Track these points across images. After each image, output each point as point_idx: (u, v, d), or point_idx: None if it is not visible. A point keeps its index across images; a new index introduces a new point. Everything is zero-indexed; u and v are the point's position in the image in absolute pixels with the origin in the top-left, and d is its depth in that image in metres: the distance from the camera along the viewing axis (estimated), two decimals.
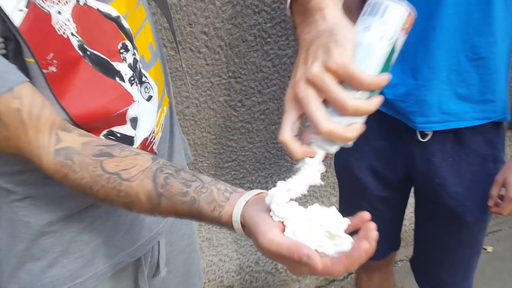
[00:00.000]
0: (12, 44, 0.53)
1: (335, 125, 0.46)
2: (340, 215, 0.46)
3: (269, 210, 0.46)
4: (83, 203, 0.67)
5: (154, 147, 0.74)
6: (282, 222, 0.45)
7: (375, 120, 0.99)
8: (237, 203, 0.49)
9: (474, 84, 0.92)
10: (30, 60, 0.53)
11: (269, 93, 1.52)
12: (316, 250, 0.43)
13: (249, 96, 1.51)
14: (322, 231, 0.44)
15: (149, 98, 0.69)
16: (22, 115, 0.53)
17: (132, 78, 0.64)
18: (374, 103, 0.47)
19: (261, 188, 1.81)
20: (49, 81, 0.55)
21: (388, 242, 1.22)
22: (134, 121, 0.64)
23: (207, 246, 1.70)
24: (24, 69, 0.54)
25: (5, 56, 0.52)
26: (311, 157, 0.48)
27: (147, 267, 0.81)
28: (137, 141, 0.67)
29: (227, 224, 0.50)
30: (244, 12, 1.37)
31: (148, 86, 0.69)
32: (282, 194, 0.46)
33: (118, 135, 0.64)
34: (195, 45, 1.34)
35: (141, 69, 0.67)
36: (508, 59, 0.95)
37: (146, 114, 0.69)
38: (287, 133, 0.48)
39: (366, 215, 0.46)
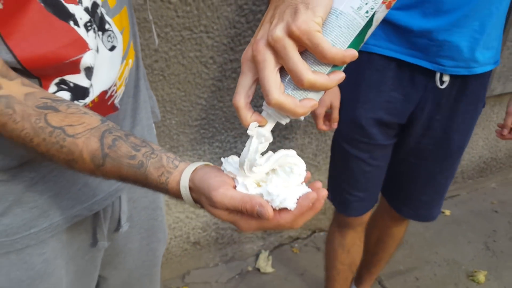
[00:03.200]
0: None
1: (286, 98, 0.42)
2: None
3: (221, 171, 0.48)
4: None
5: (116, 101, 0.71)
6: (233, 180, 0.47)
7: (391, 71, 1.09)
8: (186, 169, 0.49)
9: (490, 33, 1.04)
10: None
11: (241, 50, 1.50)
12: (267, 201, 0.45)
13: (221, 52, 1.48)
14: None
15: (112, 48, 0.67)
16: None
17: (88, 24, 0.60)
18: (333, 80, 0.43)
19: (230, 148, 1.79)
20: None
21: (376, 194, 1.32)
22: (88, 71, 0.62)
23: (174, 203, 1.72)
24: None
25: None
26: (260, 125, 0.46)
27: (107, 221, 0.81)
28: (94, 93, 0.64)
29: (174, 191, 0.50)
30: None
31: (112, 35, 0.67)
32: (234, 157, 0.48)
33: (71, 84, 0.61)
34: None
35: (104, 15, 0.64)
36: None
37: (107, 64, 0.66)
38: (242, 97, 0.46)
39: (319, 183, 0.47)
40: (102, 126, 0.53)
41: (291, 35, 0.41)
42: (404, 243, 2.12)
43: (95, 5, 0.61)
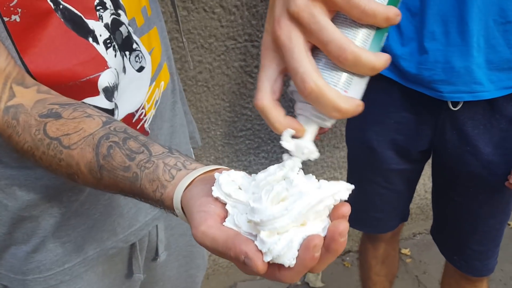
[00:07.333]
0: None
1: (327, 85, 0.32)
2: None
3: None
4: (61, 186, 0.63)
5: (146, 125, 0.69)
6: (225, 205, 0.35)
7: (397, 91, 1.00)
8: (179, 184, 0.39)
9: (501, 51, 0.89)
10: None
11: None
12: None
13: None
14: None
15: (140, 69, 0.65)
16: None
17: (108, 41, 0.58)
18: (383, 59, 0.33)
19: (277, 159, 1.73)
20: (10, 31, 0.51)
21: (399, 214, 1.23)
22: (108, 92, 0.58)
23: None
24: None
25: None
26: (297, 135, 0.35)
27: (143, 252, 0.80)
28: (118, 115, 0.62)
29: (171, 209, 0.41)
30: None
31: (140, 55, 0.65)
32: (230, 174, 0.36)
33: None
34: (208, 5, 1.30)
35: (132, 34, 0.62)
36: None
37: (133, 86, 0.64)
38: (266, 96, 0.36)
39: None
40: (100, 131, 0.47)
41: None
42: None
43: (116, 22, 0.59)
